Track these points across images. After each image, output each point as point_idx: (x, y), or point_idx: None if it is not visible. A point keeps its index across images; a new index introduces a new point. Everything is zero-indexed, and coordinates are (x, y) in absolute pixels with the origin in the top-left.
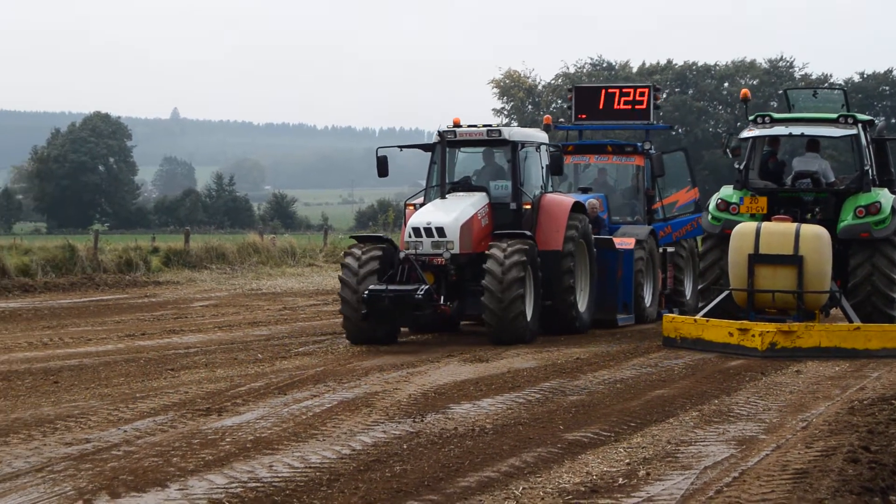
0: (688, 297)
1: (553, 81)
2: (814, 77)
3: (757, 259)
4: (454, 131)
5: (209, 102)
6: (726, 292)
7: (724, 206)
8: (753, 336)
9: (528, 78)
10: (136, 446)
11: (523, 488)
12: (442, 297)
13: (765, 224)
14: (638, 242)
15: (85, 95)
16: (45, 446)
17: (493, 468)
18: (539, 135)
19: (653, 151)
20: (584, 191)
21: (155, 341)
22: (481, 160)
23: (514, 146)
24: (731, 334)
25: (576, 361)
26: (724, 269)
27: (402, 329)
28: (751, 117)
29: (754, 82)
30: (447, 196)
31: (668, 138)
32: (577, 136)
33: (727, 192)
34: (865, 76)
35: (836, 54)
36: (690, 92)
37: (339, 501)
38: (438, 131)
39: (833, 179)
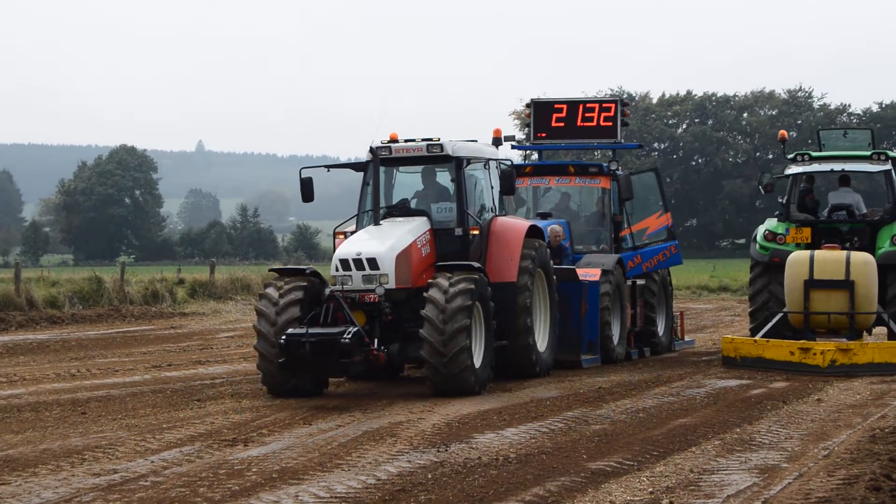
0: (661, 335)
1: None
2: (832, 107)
3: (812, 284)
4: (389, 147)
5: (234, 135)
6: (780, 315)
7: (772, 236)
8: (815, 354)
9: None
10: (163, 477)
11: None
12: (375, 341)
13: (818, 252)
14: (604, 273)
15: (111, 128)
16: (73, 477)
17: (517, 497)
18: (487, 149)
19: (620, 172)
20: (544, 216)
21: (181, 372)
22: (421, 181)
23: (458, 163)
24: (792, 353)
25: (598, 391)
26: (773, 293)
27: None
28: (790, 156)
29: (773, 112)
30: (382, 222)
31: (636, 158)
32: (537, 156)
33: (772, 224)
34: (884, 106)
35: (855, 84)
36: (710, 122)
37: None
38: (370, 147)
39: (865, 211)
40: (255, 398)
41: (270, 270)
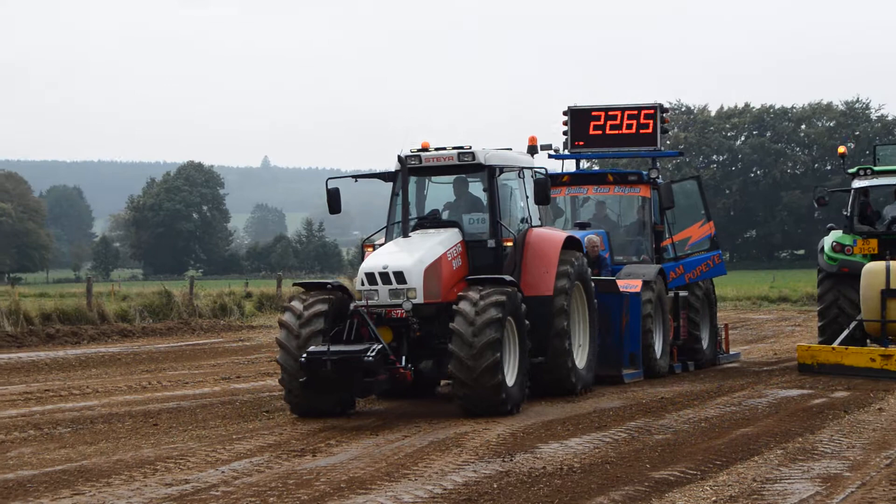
0: (705, 348)
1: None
2: (890, 118)
3: (889, 294)
4: (418, 156)
5: (298, 151)
6: (854, 322)
7: (840, 248)
8: None
9: None
10: (233, 487)
11: None
12: (403, 358)
13: (893, 263)
14: (645, 284)
15: (179, 145)
16: (146, 487)
17: None
18: (522, 158)
19: (660, 181)
20: (582, 226)
21: (249, 384)
22: (453, 191)
23: (490, 171)
24: (873, 360)
25: (660, 401)
26: (844, 303)
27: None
28: (851, 170)
29: (831, 124)
30: (411, 234)
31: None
32: (575, 166)
33: (838, 235)
34: None
35: None
36: (768, 134)
37: None
38: (398, 156)
39: None
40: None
41: (295, 284)
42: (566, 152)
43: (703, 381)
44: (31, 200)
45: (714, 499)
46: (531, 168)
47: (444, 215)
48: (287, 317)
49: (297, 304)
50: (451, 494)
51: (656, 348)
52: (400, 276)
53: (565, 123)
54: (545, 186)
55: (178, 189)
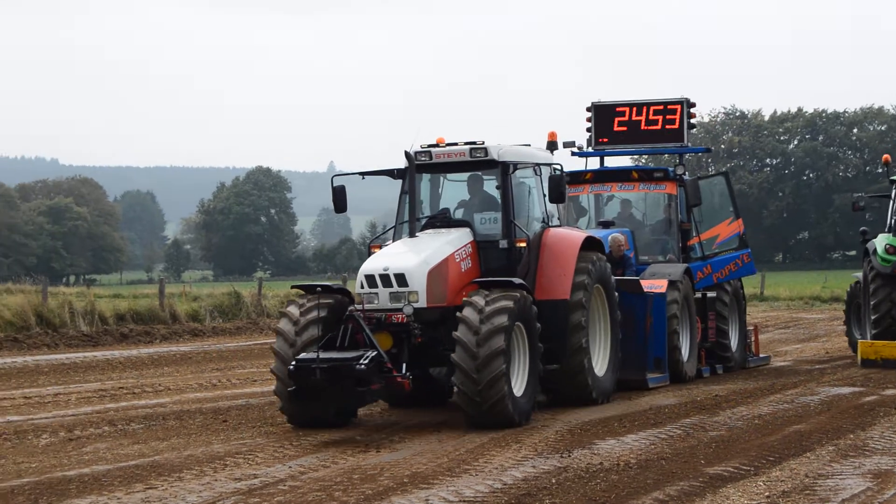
0: (734, 350)
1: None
2: None
3: None
4: (429, 152)
5: (362, 155)
6: None
7: (893, 249)
8: None
9: None
10: (300, 481)
11: None
12: (403, 366)
13: None
14: (671, 284)
15: (247, 151)
16: (216, 482)
17: (637, 501)
18: (539, 154)
19: (687, 177)
20: (606, 225)
21: None
22: (467, 189)
23: (504, 168)
24: None
25: (714, 398)
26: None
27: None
28: (893, 177)
29: (882, 128)
30: (419, 234)
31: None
32: (599, 164)
33: (890, 238)
34: None
35: None
36: (821, 138)
37: None
38: (405, 152)
39: None
40: (384, 406)
41: (293, 287)
42: (590, 149)
43: (756, 379)
44: (106, 205)
45: (767, 494)
46: (549, 164)
47: (458, 214)
48: (283, 323)
49: (293, 310)
50: (511, 489)
51: (683, 351)
52: (401, 279)
53: (589, 120)
54: (560, 183)
55: (248, 193)
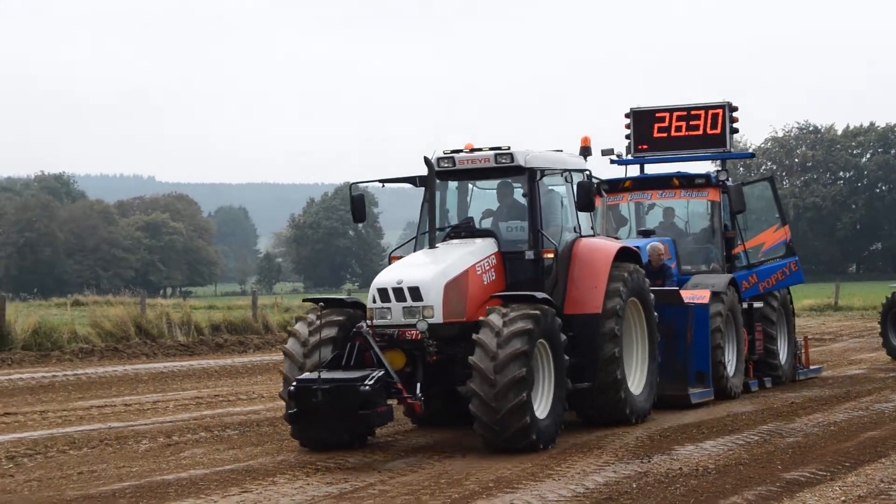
0: (783, 363)
1: (762, 145)
2: None
3: None
4: (452, 158)
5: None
6: None
7: None
8: None
9: (739, 142)
10: (389, 485)
11: None
12: (418, 386)
13: None
14: (714, 295)
15: (336, 168)
16: (308, 486)
17: None
18: (570, 160)
19: (730, 183)
20: (646, 234)
21: None
22: (496, 197)
23: (531, 174)
24: None
25: (790, 406)
26: None
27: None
28: None
29: None
30: (441, 244)
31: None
32: (640, 171)
33: None
34: None
35: None
36: (893, 152)
37: None
38: (424, 158)
39: None
40: None
41: (305, 300)
42: (629, 157)
43: (832, 387)
44: (201, 220)
45: (843, 499)
46: (581, 171)
47: (486, 223)
48: (291, 344)
49: (301, 329)
50: (593, 493)
51: (728, 366)
52: (415, 293)
53: (627, 126)
54: (589, 190)
55: (336, 208)
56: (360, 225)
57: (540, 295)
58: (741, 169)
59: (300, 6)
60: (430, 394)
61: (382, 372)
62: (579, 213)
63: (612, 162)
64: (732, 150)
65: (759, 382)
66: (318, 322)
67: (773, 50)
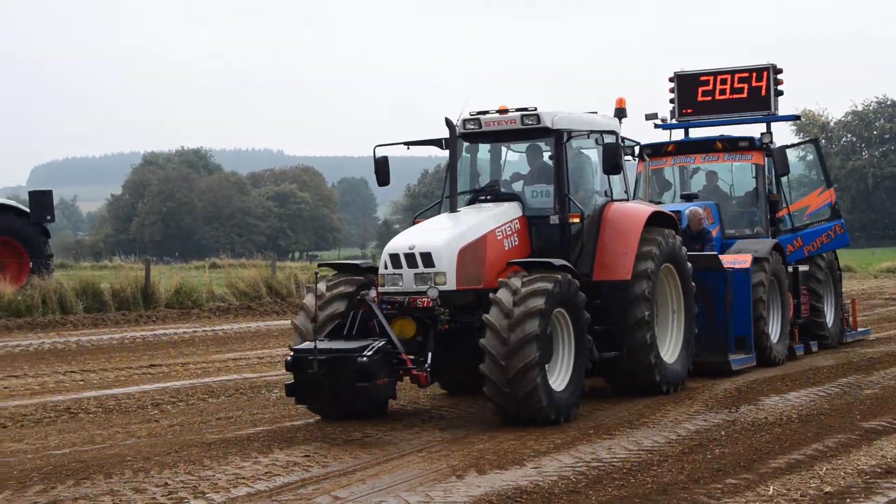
0: (829, 326)
1: (843, 118)
2: None
3: None
4: (477, 119)
5: None
6: None
7: None
8: None
9: (821, 116)
10: (499, 432)
11: (826, 469)
12: (429, 356)
13: None
14: (756, 261)
15: None
16: (424, 432)
17: (799, 452)
18: (602, 121)
19: (774, 145)
20: (689, 198)
21: None
22: (526, 160)
23: (557, 136)
24: None
25: (868, 360)
26: None
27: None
28: None
29: None
30: (465, 209)
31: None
32: (684, 135)
33: None
34: None
35: None
36: None
37: (668, 479)
38: (446, 119)
39: None
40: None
41: (321, 265)
42: (673, 121)
43: None
44: (326, 190)
45: None
46: (612, 133)
47: (515, 187)
48: (307, 298)
49: (321, 286)
50: (685, 440)
51: (771, 331)
52: (427, 259)
53: (671, 91)
54: (615, 153)
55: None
56: None
57: (558, 262)
58: (823, 140)
59: None
60: (453, 363)
61: (384, 342)
62: (610, 176)
63: (657, 126)
64: (777, 112)
65: (805, 346)
66: (326, 294)
67: (855, 34)
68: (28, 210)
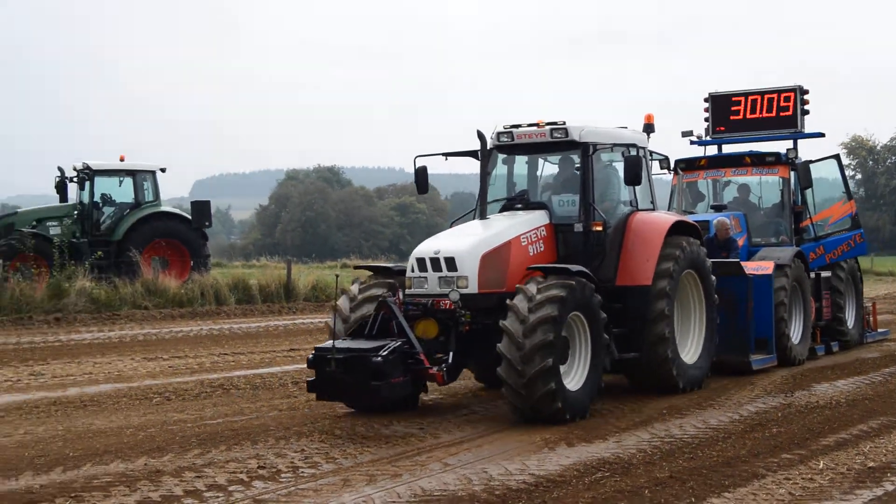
0: (850, 328)
1: (889, 143)
2: None
3: None
4: (510, 132)
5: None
6: None
7: None
8: None
9: (868, 141)
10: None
11: (870, 447)
12: (451, 356)
13: None
14: (778, 267)
15: None
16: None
17: (846, 431)
18: (629, 135)
19: (799, 160)
20: (718, 209)
21: None
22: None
23: (584, 149)
24: None
25: None
26: None
27: None
28: None
29: None
30: (495, 216)
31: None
32: (717, 151)
33: None
34: None
35: None
36: None
37: (731, 453)
38: (477, 131)
39: None
40: None
41: (356, 268)
42: (708, 138)
43: None
44: (440, 202)
45: None
46: (640, 147)
47: (546, 196)
48: (342, 301)
49: (354, 288)
50: (746, 420)
51: (792, 333)
52: (451, 263)
53: (706, 110)
54: (636, 164)
55: None
56: None
57: (575, 268)
58: (870, 162)
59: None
60: (481, 362)
61: (400, 342)
62: (636, 187)
63: (692, 143)
64: (804, 130)
65: (827, 347)
66: (358, 296)
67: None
68: (190, 217)
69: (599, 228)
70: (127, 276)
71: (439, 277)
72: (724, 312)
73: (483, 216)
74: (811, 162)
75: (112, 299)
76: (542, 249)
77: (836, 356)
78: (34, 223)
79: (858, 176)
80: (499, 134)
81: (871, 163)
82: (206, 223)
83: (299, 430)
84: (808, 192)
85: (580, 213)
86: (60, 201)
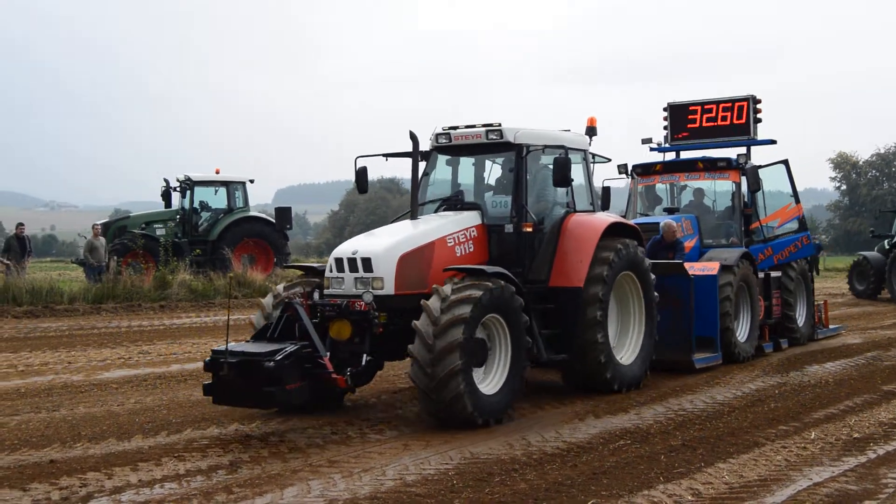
0: (800, 325)
1: (869, 158)
2: None
3: None
4: (448, 134)
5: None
6: None
7: None
8: None
9: (852, 156)
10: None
11: (854, 420)
12: (364, 358)
13: None
14: (724, 268)
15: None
16: (554, 388)
17: (834, 407)
18: (565, 137)
19: (748, 165)
20: (670, 211)
21: None
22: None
23: (518, 150)
24: None
25: (888, 339)
26: None
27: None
28: None
29: None
30: (426, 216)
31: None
32: (675, 157)
33: None
34: None
35: None
36: None
37: (735, 425)
38: (410, 133)
39: None
40: None
41: (284, 267)
42: (666, 145)
43: None
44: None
45: None
46: (580, 150)
47: (486, 197)
48: (256, 317)
49: (266, 302)
50: (748, 396)
51: (738, 331)
52: (367, 263)
53: (665, 119)
54: (563, 166)
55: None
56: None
57: (492, 269)
58: (854, 175)
59: None
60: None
61: (299, 346)
62: (574, 188)
63: (652, 149)
64: (756, 137)
65: (775, 344)
66: (282, 294)
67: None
68: (273, 221)
69: (530, 229)
70: (220, 270)
71: (355, 278)
72: (669, 312)
73: (414, 216)
74: (759, 167)
75: (208, 289)
76: (471, 250)
77: (823, 342)
78: (143, 225)
79: (843, 187)
80: (437, 135)
81: (854, 175)
82: (287, 226)
83: (373, 403)
84: (759, 195)
85: (512, 214)
86: (165, 207)
